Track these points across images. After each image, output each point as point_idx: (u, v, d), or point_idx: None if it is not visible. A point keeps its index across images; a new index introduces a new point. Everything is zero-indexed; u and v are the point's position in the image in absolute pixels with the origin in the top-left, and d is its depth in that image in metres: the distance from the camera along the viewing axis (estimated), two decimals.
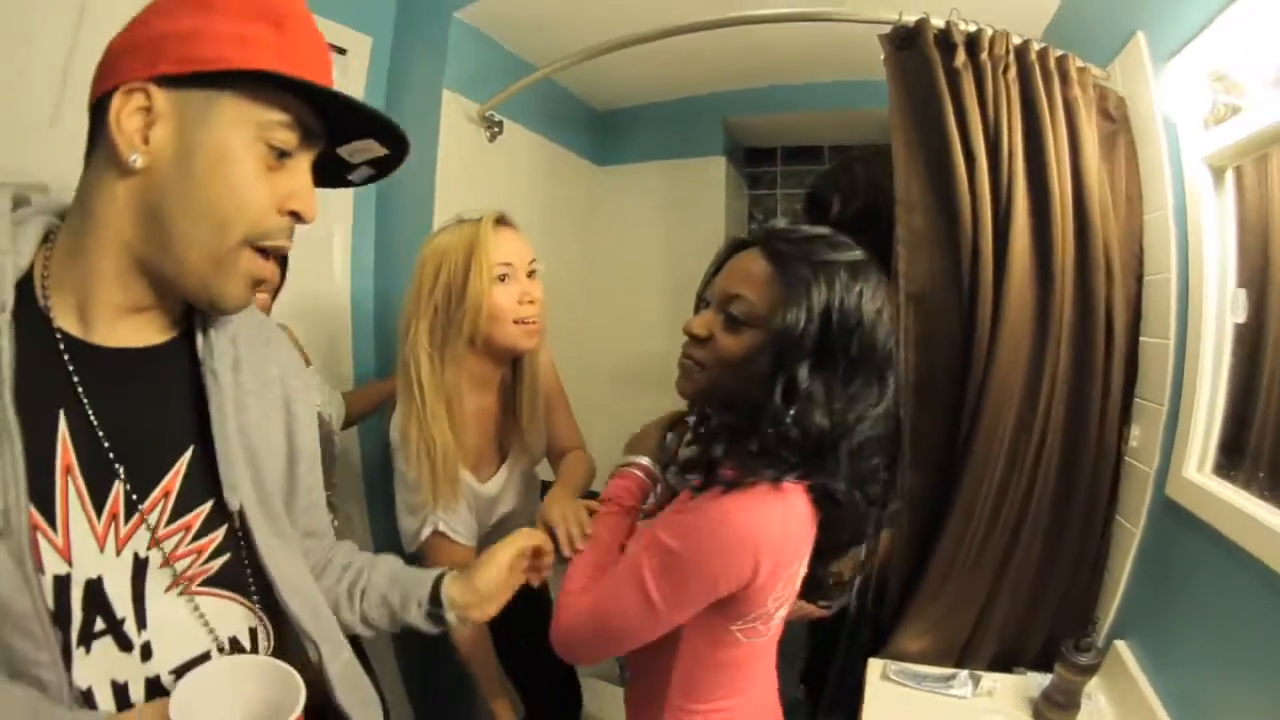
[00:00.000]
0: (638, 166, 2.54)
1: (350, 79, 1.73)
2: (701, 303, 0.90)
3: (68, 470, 0.56)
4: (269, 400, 0.70)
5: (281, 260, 1.03)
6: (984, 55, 1.19)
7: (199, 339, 0.65)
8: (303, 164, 0.62)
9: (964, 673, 1.24)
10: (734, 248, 0.88)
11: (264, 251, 0.60)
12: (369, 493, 1.83)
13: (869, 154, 1.42)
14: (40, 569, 0.53)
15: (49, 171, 1.12)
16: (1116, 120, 1.24)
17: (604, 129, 2.54)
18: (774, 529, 0.74)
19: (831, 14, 1.29)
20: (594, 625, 0.80)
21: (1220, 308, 1.07)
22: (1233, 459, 1.04)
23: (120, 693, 0.59)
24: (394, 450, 1.19)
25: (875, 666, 1.28)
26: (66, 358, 0.57)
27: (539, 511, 1.04)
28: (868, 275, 0.78)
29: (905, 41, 1.23)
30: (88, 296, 0.58)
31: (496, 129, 1.87)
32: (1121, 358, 1.24)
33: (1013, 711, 1.18)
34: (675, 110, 2.43)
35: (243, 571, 0.66)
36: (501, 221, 1.18)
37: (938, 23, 1.20)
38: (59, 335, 0.57)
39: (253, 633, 0.68)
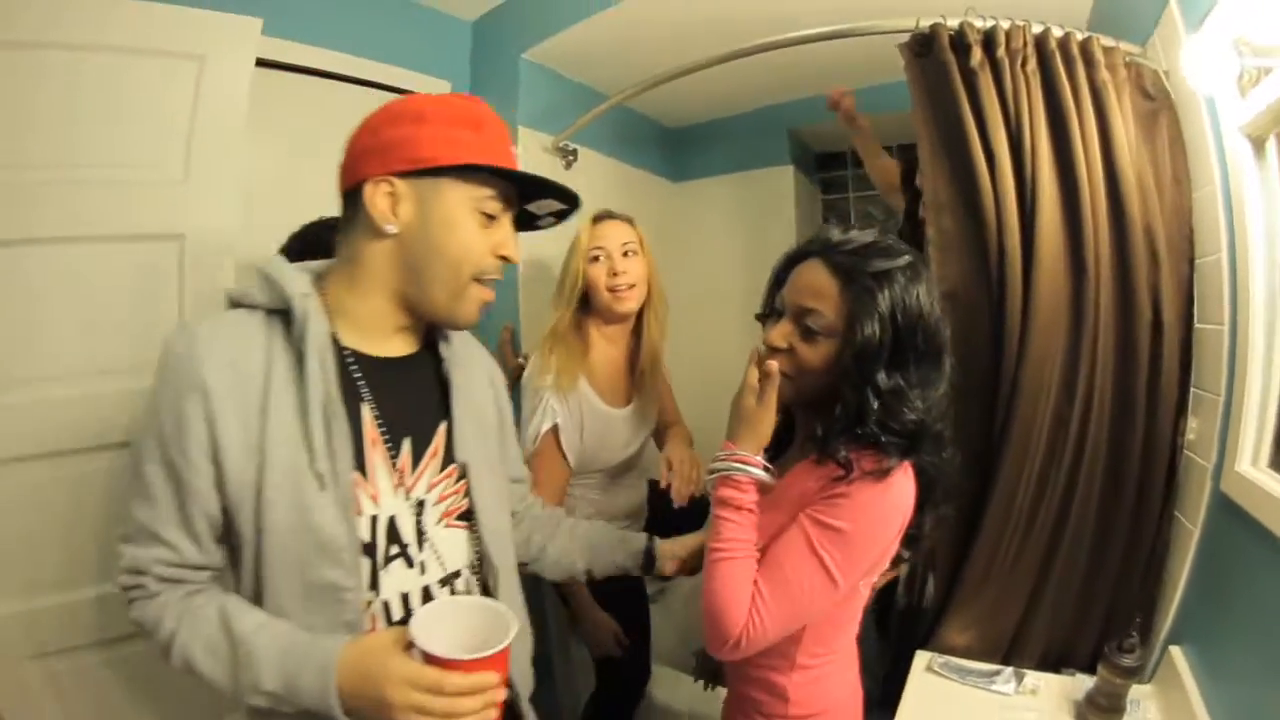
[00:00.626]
0: (710, 180, 2.63)
1: None
2: (772, 314, 0.97)
3: (374, 442, 0.82)
4: (481, 386, 0.98)
5: None
6: (1000, 51, 1.19)
7: (441, 348, 0.92)
8: (505, 221, 0.86)
9: (1008, 670, 1.23)
10: (793, 260, 0.95)
11: (485, 283, 0.86)
12: None
13: None
14: (359, 512, 0.79)
15: (184, 222, 1.42)
16: (1156, 97, 1.19)
17: (675, 146, 2.64)
18: (909, 500, 0.88)
19: (855, 29, 1.34)
20: (784, 617, 0.87)
21: (1270, 288, 1.01)
22: None
23: (404, 601, 0.83)
24: (525, 380, 1.57)
25: (921, 658, 1.30)
26: (354, 365, 0.82)
27: (663, 452, 1.46)
28: (919, 274, 0.88)
29: (923, 48, 1.26)
30: (364, 322, 0.84)
31: (571, 157, 2.04)
32: (1175, 346, 1.18)
33: (1054, 712, 1.15)
34: (742, 123, 2.50)
35: (471, 511, 0.90)
36: (599, 216, 1.56)
37: (953, 24, 1.22)
38: (346, 350, 0.83)
39: (476, 555, 0.92)
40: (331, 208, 1.43)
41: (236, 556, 0.79)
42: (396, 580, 0.82)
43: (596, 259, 1.52)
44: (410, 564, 0.84)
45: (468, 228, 0.81)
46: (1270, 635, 0.93)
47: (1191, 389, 1.19)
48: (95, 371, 1.38)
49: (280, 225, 1.44)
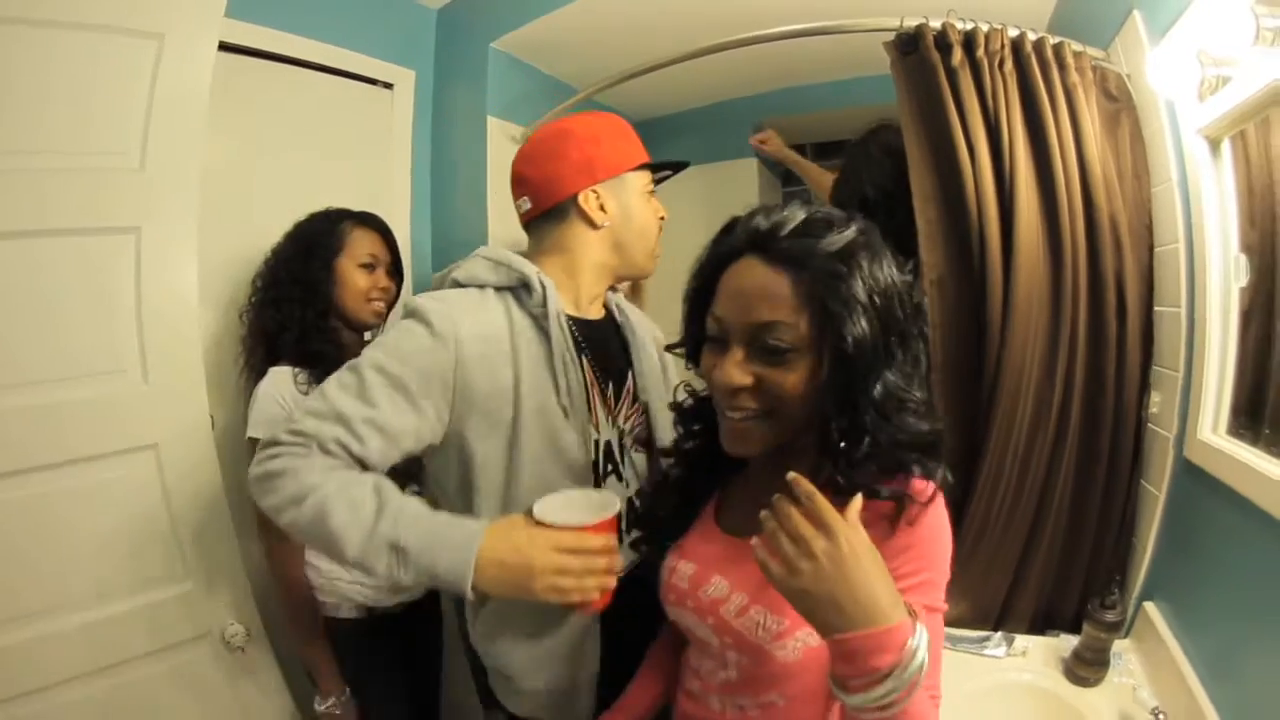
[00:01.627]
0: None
1: (398, 111, 1.92)
2: (708, 343, 0.78)
3: (593, 384, 1.07)
4: (648, 342, 1.20)
5: (398, 280, 1.57)
6: (980, 52, 1.27)
7: (616, 314, 1.20)
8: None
9: (998, 634, 1.32)
10: (717, 265, 0.76)
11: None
12: None
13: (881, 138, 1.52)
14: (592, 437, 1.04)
15: (141, 214, 1.33)
16: (1119, 98, 1.31)
17: (640, 137, 2.62)
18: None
19: (839, 26, 1.40)
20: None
21: (1225, 274, 1.13)
22: (1244, 419, 1.09)
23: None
24: None
25: None
26: (573, 327, 1.05)
27: None
28: (874, 237, 0.73)
29: (908, 46, 1.33)
30: (576, 294, 1.10)
31: None
32: (1137, 327, 1.30)
33: (1044, 670, 1.25)
34: (707, 115, 2.55)
35: (650, 438, 1.16)
36: None
37: (936, 25, 1.29)
38: (567, 316, 1.05)
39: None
40: (290, 199, 1.38)
41: (468, 483, 0.98)
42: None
43: None
44: (620, 478, 1.11)
45: (648, 206, 1.14)
46: (1236, 582, 1.04)
47: (1153, 366, 1.31)
48: (53, 379, 1.28)
49: (238, 218, 1.37)
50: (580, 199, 1.06)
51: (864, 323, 0.67)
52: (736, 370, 0.72)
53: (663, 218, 1.18)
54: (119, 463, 1.34)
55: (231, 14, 1.44)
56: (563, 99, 1.88)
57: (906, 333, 0.71)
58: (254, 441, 1.31)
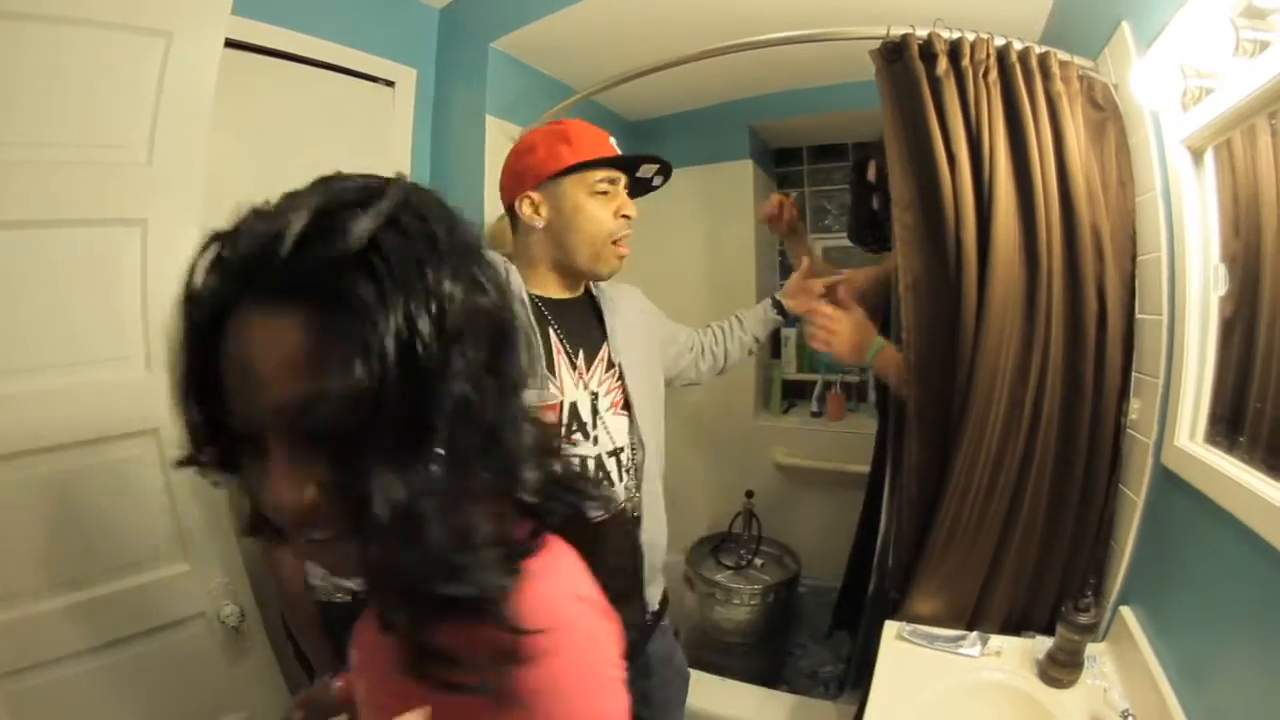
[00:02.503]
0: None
1: (399, 109, 1.95)
2: (234, 455, 0.50)
3: (558, 352, 1.22)
4: (633, 313, 1.36)
5: None
6: (965, 61, 1.28)
7: (594, 290, 1.35)
8: (617, 191, 1.27)
9: (973, 634, 1.34)
10: (208, 326, 0.48)
11: (616, 242, 1.27)
12: None
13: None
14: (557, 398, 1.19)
15: (147, 207, 1.37)
16: (1105, 108, 1.31)
17: (636, 139, 2.67)
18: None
19: (827, 34, 1.41)
20: None
21: (1204, 283, 1.13)
22: (1221, 427, 1.10)
23: (582, 463, 1.22)
24: None
25: (891, 628, 1.40)
26: (541, 305, 1.23)
27: None
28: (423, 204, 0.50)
29: (893, 55, 1.34)
30: (542, 280, 1.26)
31: None
32: (1119, 334, 1.30)
33: (1019, 670, 1.26)
34: (703, 118, 2.57)
35: (628, 401, 1.29)
36: None
37: (921, 34, 1.30)
38: (534, 295, 1.24)
39: (634, 436, 1.30)
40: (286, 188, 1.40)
41: None
42: (576, 450, 1.22)
43: None
44: (586, 437, 1.22)
45: (590, 206, 1.22)
46: (1209, 589, 1.05)
47: (1133, 373, 1.32)
48: (60, 364, 1.32)
49: (241, 209, 1.39)
50: (515, 205, 1.24)
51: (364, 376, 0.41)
52: (289, 495, 0.45)
53: (626, 216, 1.26)
54: (122, 446, 1.38)
55: (237, 11, 1.47)
56: (561, 99, 1.90)
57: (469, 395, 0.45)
58: None
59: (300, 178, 1.54)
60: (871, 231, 1.81)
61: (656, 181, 1.37)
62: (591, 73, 1.83)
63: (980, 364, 1.27)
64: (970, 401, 1.29)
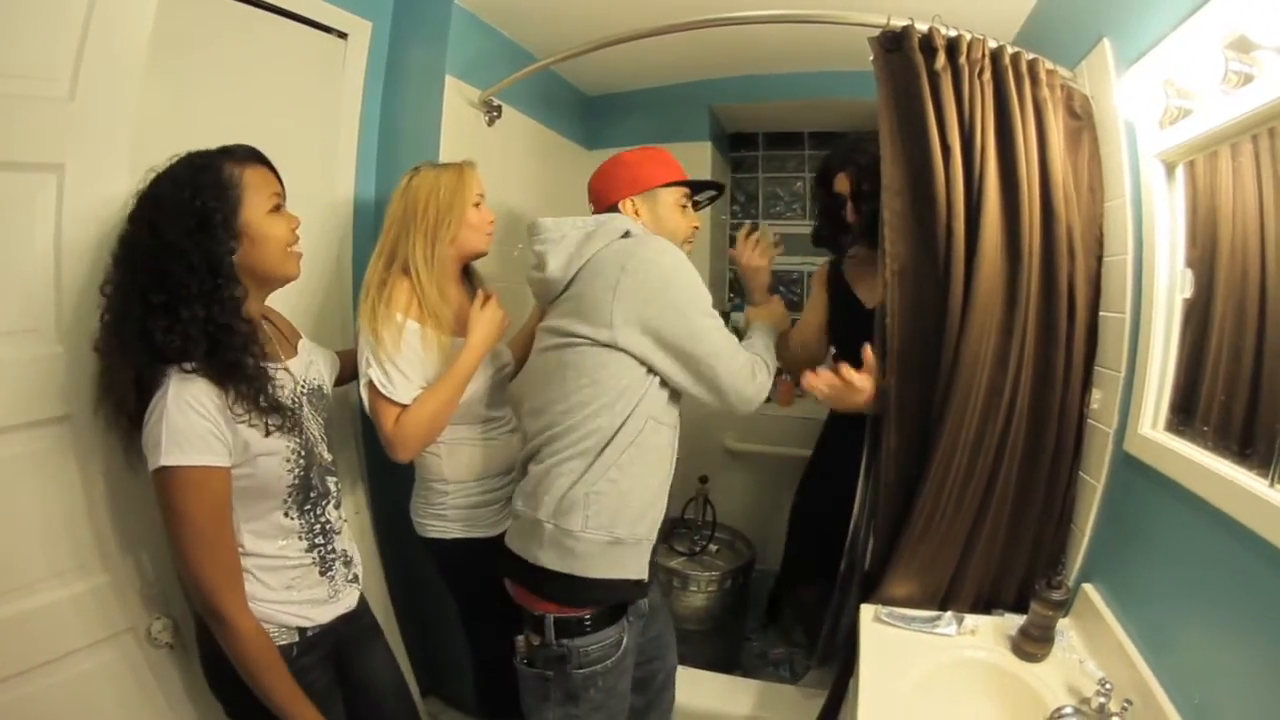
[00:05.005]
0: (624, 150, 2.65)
1: (350, 62, 1.82)
2: None
3: None
4: None
5: None
6: (962, 59, 1.36)
7: None
8: (690, 207, 1.58)
9: (948, 614, 1.43)
10: None
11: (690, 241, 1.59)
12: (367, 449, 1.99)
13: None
14: None
15: (66, 148, 1.20)
16: (1082, 117, 1.43)
17: (593, 114, 2.65)
18: None
19: (821, 16, 1.45)
20: None
21: (1170, 285, 1.26)
22: (1182, 417, 1.23)
23: None
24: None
25: (867, 611, 1.47)
26: None
27: None
28: None
29: (893, 44, 1.40)
30: None
31: (495, 114, 1.98)
32: (1084, 329, 1.43)
33: (994, 647, 1.37)
34: (663, 96, 2.57)
35: None
36: (471, 165, 1.60)
37: (921, 27, 1.37)
38: None
39: None
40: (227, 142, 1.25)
41: None
42: None
43: (478, 204, 1.57)
44: None
45: (676, 215, 1.54)
46: (1171, 562, 1.18)
47: (1096, 366, 1.46)
48: None
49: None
50: (620, 205, 1.50)
51: None
52: None
53: (696, 227, 1.59)
54: (27, 436, 1.20)
55: None
56: (521, 66, 1.84)
57: None
58: (170, 470, 1.06)
59: (240, 128, 1.41)
60: (837, 239, 1.91)
61: (703, 200, 1.69)
62: (555, 41, 1.78)
63: (964, 351, 1.36)
64: (953, 388, 1.37)
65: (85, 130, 1.22)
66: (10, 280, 1.18)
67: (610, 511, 1.28)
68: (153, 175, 1.16)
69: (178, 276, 1.09)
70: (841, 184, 1.80)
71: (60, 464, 1.24)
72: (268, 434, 1.16)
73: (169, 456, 1.05)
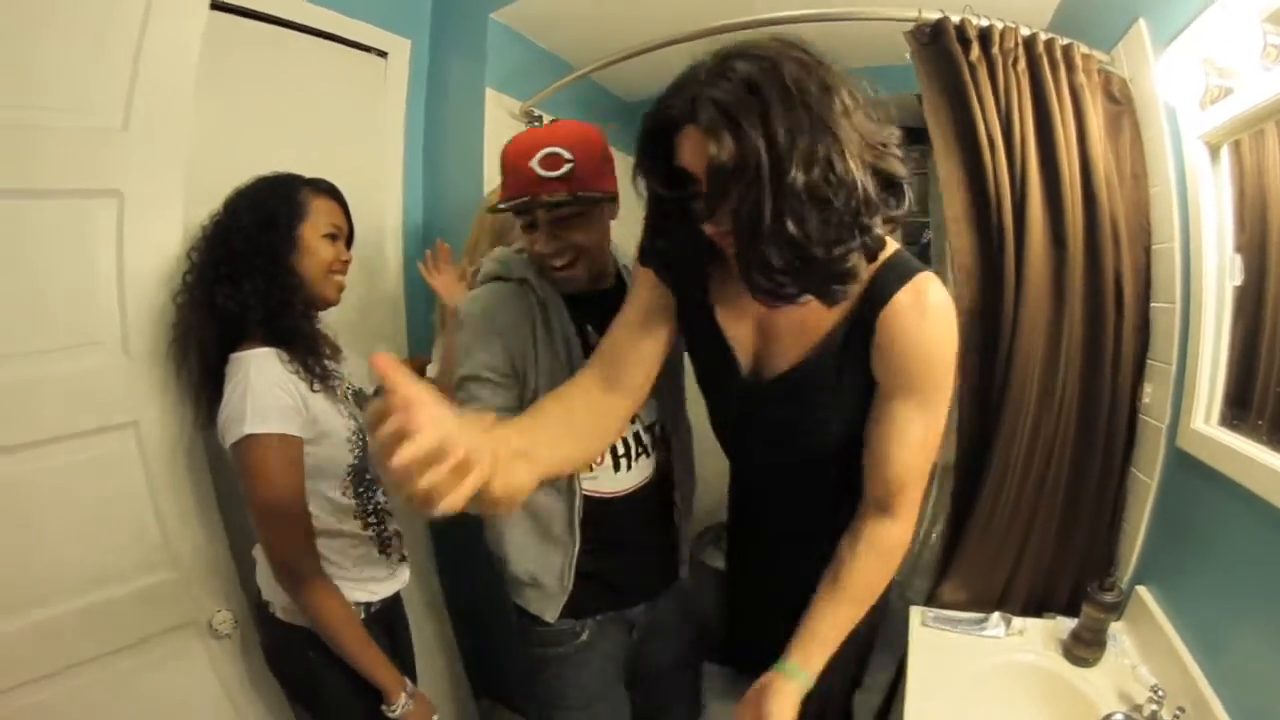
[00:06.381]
0: None
1: (392, 80, 1.93)
2: None
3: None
4: None
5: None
6: (995, 49, 1.37)
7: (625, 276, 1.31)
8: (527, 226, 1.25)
9: (994, 615, 1.43)
10: None
11: None
12: None
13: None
14: None
15: (123, 177, 1.33)
16: (1121, 102, 1.42)
17: (634, 119, 2.66)
18: None
19: (853, 14, 1.47)
20: None
21: (1220, 272, 1.25)
22: (1236, 410, 1.22)
23: (623, 441, 1.30)
24: None
25: (916, 614, 1.48)
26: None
27: None
28: None
29: (928, 37, 1.42)
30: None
31: (537, 124, 2.05)
32: (1132, 321, 1.42)
33: (1044, 650, 1.36)
34: None
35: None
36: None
37: (954, 18, 1.39)
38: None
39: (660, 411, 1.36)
40: (279, 166, 1.37)
41: None
42: None
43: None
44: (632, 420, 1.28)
45: (521, 236, 1.25)
46: (1227, 563, 1.16)
47: (1146, 359, 1.44)
48: (27, 352, 1.25)
49: (224, 185, 1.37)
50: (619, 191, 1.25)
51: None
52: None
53: (539, 251, 1.34)
54: (97, 441, 1.33)
55: None
56: (561, 75, 1.91)
57: None
58: (253, 438, 1.21)
59: (288, 149, 1.52)
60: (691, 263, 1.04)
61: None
62: (592, 48, 1.84)
63: (1018, 350, 1.37)
64: (1009, 388, 1.38)
65: (140, 157, 1.35)
66: (77, 298, 1.31)
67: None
68: (256, 177, 1.38)
69: (243, 255, 1.30)
70: (693, 150, 0.82)
71: (127, 467, 1.36)
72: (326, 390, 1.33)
73: (253, 425, 1.20)
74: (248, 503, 1.24)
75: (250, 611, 1.46)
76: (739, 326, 1.06)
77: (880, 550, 1.03)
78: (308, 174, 1.41)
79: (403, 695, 1.33)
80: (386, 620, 1.48)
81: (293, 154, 1.47)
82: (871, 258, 0.86)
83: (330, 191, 1.42)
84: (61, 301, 1.29)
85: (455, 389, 1.23)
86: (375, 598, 1.42)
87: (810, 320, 0.99)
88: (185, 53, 1.40)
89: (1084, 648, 1.31)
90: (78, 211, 1.30)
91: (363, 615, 1.38)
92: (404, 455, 0.55)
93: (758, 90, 0.75)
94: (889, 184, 0.82)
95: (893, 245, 0.93)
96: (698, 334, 1.10)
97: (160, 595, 1.38)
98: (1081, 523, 1.45)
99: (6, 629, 1.22)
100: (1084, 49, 1.40)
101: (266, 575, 1.35)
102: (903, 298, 0.92)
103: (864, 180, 0.77)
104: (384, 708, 1.32)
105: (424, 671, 1.70)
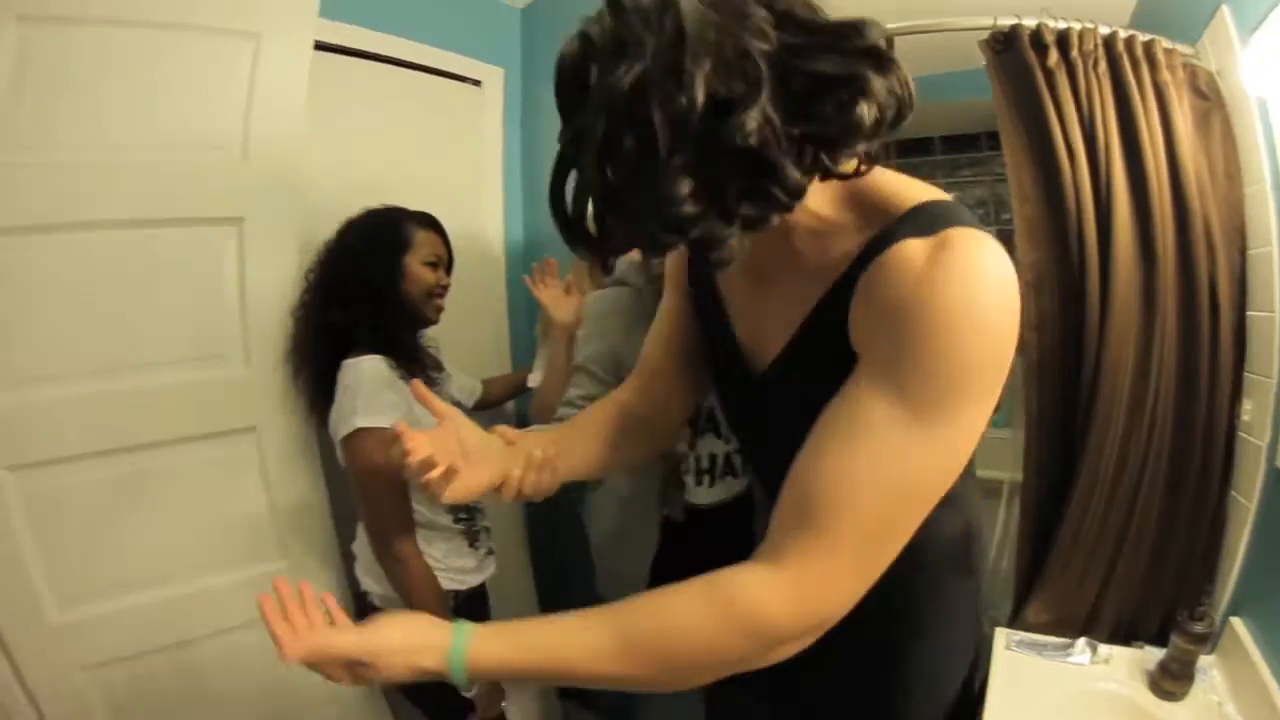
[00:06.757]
0: None
1: (487, 108, 2.10)
2: None
3: None
4: None
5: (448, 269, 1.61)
6: (1074, 52, 1.34)
7: None
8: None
9: (1081, 641, 1.37)
10: None
11: None
12: None
13: None
14: None
15: (244, 205, 1.50)
16: (1209, 97, 1.35)
17: None
18: None
19: (929, 26, 1.46)
20: None
21: None
22: None
23: (711, 460, 1.44)
24: None
25: (1000, 636, 1.42)
26: None
27: None
28: None
29: (1003, 45, 1.40)
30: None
31: None
32: (1229, 331, 1.34)
33: (1129, 681, 1.29)
34: None
35: None
36: None
37: (1029, 23, 1.37)
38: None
39: None
40: (385, 194, 1.53)
41: None
42: (708, 445, 1.42)
43: None
44: (718, 435, 1.41)
45: None
46: None
47: (1245, 372, 1.35)
48: (161, 362, 1.44)
49: (337, 209, 1.52)
50: None
51: None
52: None
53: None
54: (220, 443, 1.50)
55: (325, 14, 1.60)
56: None
57: None
58: (363, 431, 1.35)
59: (394, 174, 1.68)
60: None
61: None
62: None
63: (1105, 364, 1.32)
64: (1096, 403, 1.34)
65: (258, 186, 1.52)
66: (203, 314, 1.50)
67: None
68: (365, 209, 1.56)
69: (353, 280, 1.48)
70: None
71: (247, 467, 1.54)
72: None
73: (362, 420, 1.35)
74: (356, 490, 1.40)
75: (350, 601, 1.61)
76: (741, 317, 0.91)
77: (721, 609, 0.65)
78: (412, 196, 1.57)
79: None
80: (473, 609, 1.61)
81: (398, 178, 1.63)
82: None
83: (431, 224, 1.59)
84: (190, 318, 1.48)
85: (573, 372, 1.46)
86: (463, 586, 1.56)
87: (797, 297, 0.77)
88: (294, 90, 1.57)
89: (1171, 680, 1.24)
90: (204, 237, 1.49)
91: (452, 603, 1.51)
92: (408, 464, 0.81)
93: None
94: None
95: (931, 192, 0.70)
96: (709, 329, 0.98)
97: (268, 583, 1.53)
98: (1174, 547, 1.38)
99: (129, 604, 1.41)
100: (1166, 43, 1.34)
101: (365, 568, 1.52)
102: (910, 247, 0.64)
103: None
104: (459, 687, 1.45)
105: None
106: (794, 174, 0.56)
